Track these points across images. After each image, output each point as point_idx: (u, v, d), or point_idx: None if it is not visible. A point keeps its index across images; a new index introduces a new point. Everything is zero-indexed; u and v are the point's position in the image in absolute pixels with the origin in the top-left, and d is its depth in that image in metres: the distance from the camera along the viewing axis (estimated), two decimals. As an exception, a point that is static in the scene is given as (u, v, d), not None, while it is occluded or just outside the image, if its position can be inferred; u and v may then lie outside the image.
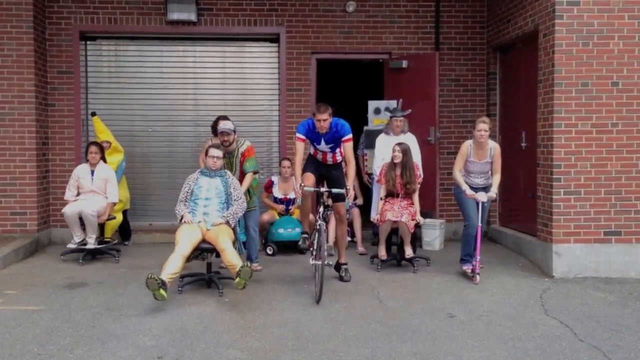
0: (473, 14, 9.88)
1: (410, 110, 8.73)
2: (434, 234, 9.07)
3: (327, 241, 6.89)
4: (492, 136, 10.04)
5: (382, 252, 7.74)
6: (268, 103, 10.00)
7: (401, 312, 5.94)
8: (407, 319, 5.72)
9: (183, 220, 6.60)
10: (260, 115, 10.00)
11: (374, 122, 9.41)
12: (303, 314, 5.88)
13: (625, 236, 7.43)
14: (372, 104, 9.57)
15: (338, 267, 7.19)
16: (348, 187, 6.68)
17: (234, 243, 6.52)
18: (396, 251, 7.93)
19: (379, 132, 8.68)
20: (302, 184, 6.62)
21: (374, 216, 7.96)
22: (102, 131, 8.71)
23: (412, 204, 7.69)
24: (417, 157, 8.10)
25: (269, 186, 9.01)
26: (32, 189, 8.91)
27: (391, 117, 8.38)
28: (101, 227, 8.31)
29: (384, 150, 8.22)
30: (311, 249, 6.67)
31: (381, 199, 7.78)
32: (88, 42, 9.78)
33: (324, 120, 6.57)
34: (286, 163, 8.84)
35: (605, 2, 7.38)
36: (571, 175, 7.41)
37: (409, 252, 7.65)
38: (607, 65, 7.42)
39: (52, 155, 9.49)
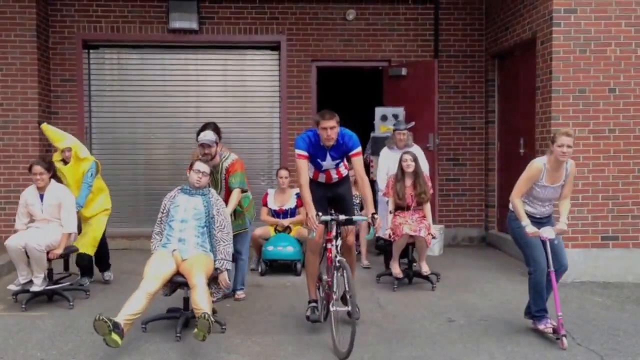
0: (471, 22, 9.92)
1: (413, 123, 8.53)
2: (433, 240, 9.05)
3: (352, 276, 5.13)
4: (489, 144, 10.21)
5: (398, 270, 7.02)
6: (269, 110, 10.02)
7: (400, 317, 5.95)
8: (407, 324, 5.72)
9: (154, 248, 5.54)
10: (261, 123, 10.03)
11: (381, 128, 9.30)
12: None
13: (622, 241, 7.43)
14: (379, 111, 9.33)
15: (344, 299, 5.18)
16: (376, 216, 5.21)
17: (210, 281, 5.39)
18: (406, 267, 7.25)
19: (385, 138, 8.49)
20: (320, 214, 5.17)
21: (386, 231, 7.00)
22: (57, 138, 6.92)
23: (424, 216, 7.09)
24: (425, 169, 7.57)
25: (266, 200, 8.22)
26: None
27: (394, 131, 7.98)
28: (66, 259, 6.88)
29: (388, 165, 7.82)
30: (332, 300, 5.06)
31: (390, 212, 7.09)
32: (91, 51, 9.83)
33: (332, 128, 5.21)
34: (283, 173, 8.14)
35: (602, 10, 7.41)
36: (569, 181, 7.41)
37: (425, 268, 7.04)
38: (604, 72, 7.44)
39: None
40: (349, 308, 4.89)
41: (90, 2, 9.53)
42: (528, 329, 5.56)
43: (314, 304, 5.55)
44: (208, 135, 6.11)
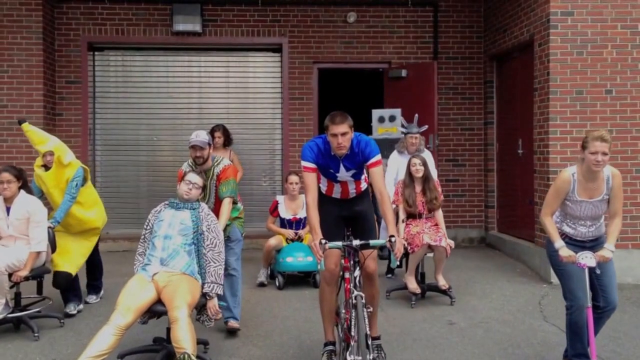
0: (470, 24, 9.79)
1: (427, 126, 7.80)
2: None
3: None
4: (488, 144, 10.09)
5: (415, 285, 6.25)
6: (271, 111, 9.90)
7: (401, 320, 5.81)
8: (408, 327, 5.59)
9: (135, 270, 4.69)
10: (263, 124, 9.91)
11: (379, 130, 9.03)
12: None
13: (621, 242, 7.26)
14: (376, 113, 8.96)
15: (366, 342, 3.97)
16: (393, 239, 4.10)
17: (201, 308, 4.67)
18: (419, 280, 6.50)
19: (384, 141, 8.12)
20: (324, 240, 4.06)
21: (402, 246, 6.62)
22: (38, 140, 5.78)
23: (437, 224, 6.44)
24: (434, 174, 6.95)
25: (274, 209, 7.39)
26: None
27: (406, 134, 7.22)
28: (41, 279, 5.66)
29: (397, 170, 7.17)
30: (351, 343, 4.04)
31: (403, 221, 6.38)
32: (96, 53, 9.70)
33: (343, 134, 4.21)
34: (294, 178, 7.29)
35: (598, 12, 7.32)
36: (567, 182, 7.29)
37: (443, 282, 6.32)
38: (601, 73, 7.34)
39: (61, 163, 9.39)
40: (370, 357, 3.84)
41: (95, 5, 9.41)
42: (529, 331, 5.43)
43: (330, 347, 4.53)
44: (200, 136, 5.26)
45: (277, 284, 6.85)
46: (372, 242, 4.17)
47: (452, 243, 6.22)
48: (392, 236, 4.08)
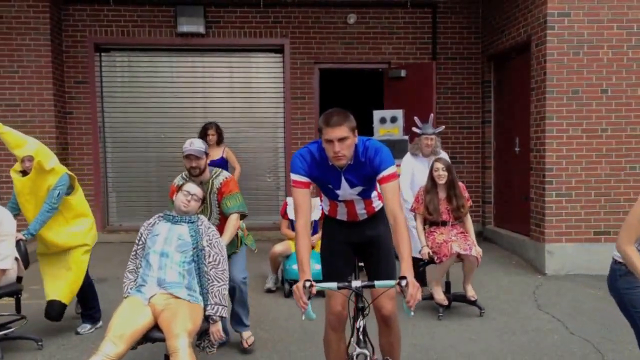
0: (468, 25, 9.94)
1: (444, 127, 7.38)
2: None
3: None
4: (486, 142, 10.24)
5: (442, 296, 5.74)
6: (274, 110, 10.06)
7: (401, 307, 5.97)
8: (405, 315, 5.74)
9: (124, 295, 4.06)
10: (266, 122, 10.07)
11: (380, 132, 8.68)
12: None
13: (614, 236, 7.46)
14: (378, 114, 8.64)
15: None
16: (404, 282, 3.05)
17: (203, 333, 4.12)
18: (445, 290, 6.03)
19: (385, 142, 7.51)
20: (309, 282, 3.08)
21: (425, 250, 5.69)
22: (15, 144, 4.98)
23: (463, 232, 5.83)
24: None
25: (285, 211, 6.82)
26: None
27: (420, 135, 6.61)
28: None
29: (412, 174, 6.60)
30: None
31: (424, 228, 5.88)
32: (102, 54, 9.86)
33: (341, 140, 3.23)
34: None
35: (594, 14, 7.43)
36: (562, 178, 7.46)
37: (472, 292, 5.77)
38: (596, 73, 7.46)
39: (72, 160, 9.57)
40: None
41: (101, 7, 9.57)
42: (524, 319, 5.61)
43: None
44: (196, 145, 4.61)
45: (284, 292, 6.47)
46: (377, 282, 3.17)
47: (480, 251, 5.61)
48: (404, 277, 3.04)
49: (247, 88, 10.05)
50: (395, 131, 8.50)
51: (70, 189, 5.08)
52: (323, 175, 3.46)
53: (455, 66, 9.92)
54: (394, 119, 8.45)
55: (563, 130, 7.45)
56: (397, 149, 7.95)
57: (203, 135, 7.94)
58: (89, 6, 9.55)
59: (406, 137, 8.08)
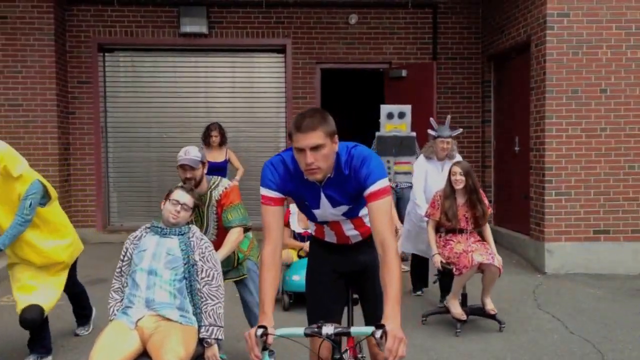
0: (468, 25, 9.90)
1: (461, 130, 6.92)
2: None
3: None
4: (486, 142, 10.20)
5: (460, 310, 5.23)
6: (275, 110, 10.03)
7: (402, 307, 5.92)
8: (408, 314, 5.72)
9: (109, 318, 3.64)
10: (268, 122, 10.04)
11: (387, 127, 8.20)
12: None
13: (613, 234, 7.43)
14: (385, 109, 8.14)
15: None
16: (379, 334, 2.29)
17: (197, 359, 3.51)
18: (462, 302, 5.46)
19: (392, 138, 7.67)
20: (261, 329, 2.41)
21: (438, 258, 5.28)
22: None
23: (480, 240, 5.40)
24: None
25: (288, 220, 6.34)
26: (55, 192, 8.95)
27: (436, 138, 6.05)
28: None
29: (425, 179, 6.11)
30: None
31: (440, 236, 5.42)
32: (106, 54, 9.84)
33: (315, 149, 2.57)
34: None
35: (594, 14, 7.40)
36: (562, 177, 7.42)
37: (492, 305, 5.29)
38: (596, 73, 7.42)
39: (73, 160, 9.55)
40: None
41: (105, 7, 9.55)
42: (524, 319, 5.57)
43: None
44: (191, 153, 4.11)
45: (283, 304, 5.95)
46: (353, 329, 2.46)
47: (501, 260, 5.19)
48: (381, 326, 2.31)
49: (249, 88, 10.03)
50: (403, 127, 8.04)
51: (45, 199, 4.35)
52: (298, 191, 2.78)
53: (456, 66, 9.89)
54: (401, 115, 8.01)
55: (562, 130, 7.41)
56: (404, 146, 7.77)
57: (206, 136, 7.87)
58: (93, 7, 9.54)
59: (414, 134, 7.89)
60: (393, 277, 2.50)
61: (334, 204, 2.82)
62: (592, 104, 7.44)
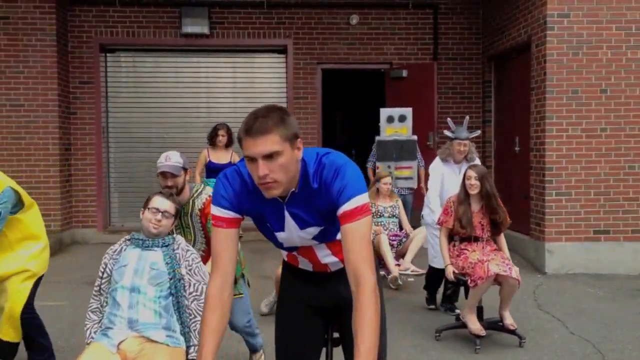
0: (469, 26, 9.89)
1: (479, 132, 6.62)
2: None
3: None
4: (486, 142, 10.19)
5: (478, 325, 4.82)
6: (276, 110, 10.00)
7: (403, 306, 5.93)
8: (408, 314, 5.71)
9: (86, 342, 3.30)
10: (269, 122, 10.01)
11: (387, 131, 7.99)
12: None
13: (613, 234, 7.41)
14: (385, 112, 7.97)
15: None
16: None
17: None
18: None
19: (393, 143, 7.52)
20: None
21: (450, 269, 4.92)
22: None
23: (497, 249, 5.00)
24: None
25: None
26: (56, 192, 8.95)
27: (453, 139, 5.68)
28: None
29: (441, 182, 5.73)
30: None
31: (454, 245, 5.01)
32: (108, 54, 9.83)
33: (268, 158, 2.05)
34: None
35: (594, 14, 7.38)
36: (562, 178, 7.40)
37: (511, 320, 4.91)
38: (596, 73, 7.41)
39: (74, 161, 9.54)
40: None
41: (107, 8, 9.54)
42: (524, 319, 5.55)
43: None
44: (172, 159, 3.82)
45: None
46: None
47: (518, 270, 4.80)
48: None
49: (250, 88, 10.01)
50: (404, 131, 7.92)
51: (17, 207, 3.88)
52: (257, 209, 2.27)
53: (456, 66, 9.87)
54: (402, 118, 7.88)
55: (563, 130, 7.40)
56: (405, 150, 7.69)
57: (213, 135, 7.80)
58: (95, 7, 9.53)
59: (415, 137, 7.83)
60: (367, 325, 1.95)
61: (302, 225, 2.27)
62: (592, 104, 7.42)
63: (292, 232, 2.31)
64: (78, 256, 8.34)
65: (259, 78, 10.04)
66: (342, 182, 2.12)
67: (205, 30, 9.50)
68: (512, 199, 9.02)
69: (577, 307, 5.93)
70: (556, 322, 5.48)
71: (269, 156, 2.03)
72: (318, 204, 2.20)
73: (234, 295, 3.58)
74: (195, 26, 9.46)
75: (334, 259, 2.42)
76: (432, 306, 5.92)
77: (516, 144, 8.73)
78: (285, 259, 2.57)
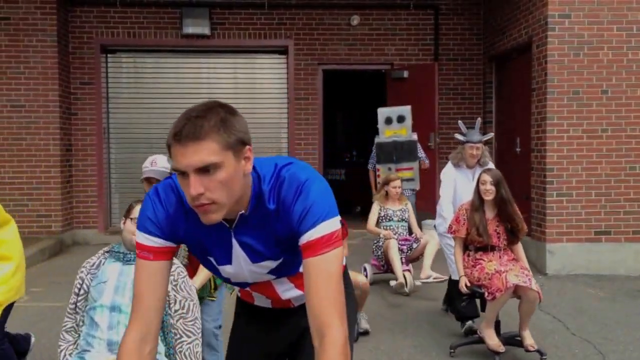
0: (470, 27, 9.89)
1: (492, 134, 6.52)
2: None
3: None
4: (487, 143, 10.10)
5: (497, 341, 4.46)
6: (277, 111, 10.02)
7: (405, 308, 5.93)
8: (410, 315, 5.70)
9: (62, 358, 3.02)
10: (270, 123, 10.02)
11: (386, 133, 7.86)
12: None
13: (614, 235, 7.41)
14: (383, 113, 7.77)
15: None
16: None
17: None
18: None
19: (392, 144, 7.39)
20: None
21: (463, 281, 4.57)
22: None
23: (515, 259, 4.65)
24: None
25: None
26: (57, 192, 8.96)
27: (465, 143, 5.38)
28: None
29: (454, 188, 5.42)
30: None
31: (468, 255, 4.67)
32: (108, 55, 9.84)
33: (201, 172, 1.55)
34: None
35: (595, 15, 7.37)
36: (563, 178, 7.40)
37: (531, 340, 4.48)
38: (597, 74, 7.40)
39: (75, 161, 9.54)
40: None
41: (107, 9, 9.54)
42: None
43: None
44: (158, 163, 3.43)
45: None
46: None
47: (537, 283, 4.44)
48: None
49: (251, 89, 10.01)
50: (404, 132, 7.75)
51: None
52: (195, 238, 1.78)
53: (457, 67, 9.87)
54: (401, 119, 7.67)
55: (564, 131, 7.39)
56: (405, 151, 7.61)
57: None
58: (96, 8, 9.53)
59: (415, 138, 7.80)
60: None
61: (255, 258, 1.78)
62: (593, 105, 7.41)
63: (241, 267, 1.82)
64: (79, 257, 8.32)
65: (259, 79, 10.04)
66: (305, 202, 1.64)
67: (206, 30, 9.51)
68: (513, 199, 9.01)
69: (578, 308, 5.92)
70: (557, 322, 5.48)
71: (204, 169, 1.55)
72: (275, 229, 1.71)
73: (210, 297, 3.57)
74: (196, 27, 9.47)
75: (297, 292, 1.95)
76: (444, 308, 5.74)
77: (517, 145, 8.72)
78: (238, 294, 2.14)
